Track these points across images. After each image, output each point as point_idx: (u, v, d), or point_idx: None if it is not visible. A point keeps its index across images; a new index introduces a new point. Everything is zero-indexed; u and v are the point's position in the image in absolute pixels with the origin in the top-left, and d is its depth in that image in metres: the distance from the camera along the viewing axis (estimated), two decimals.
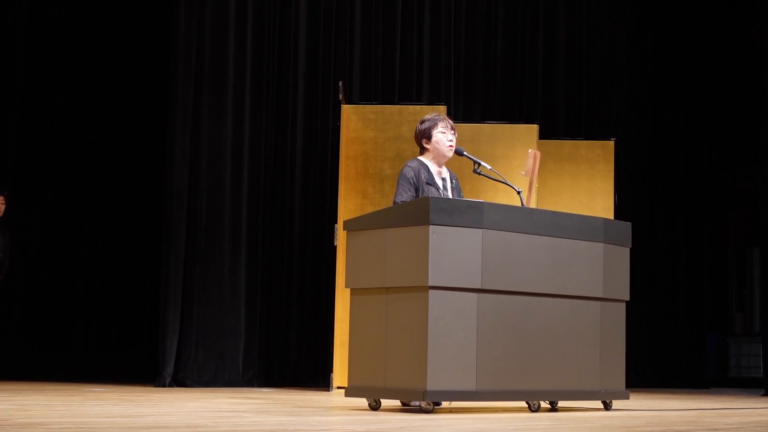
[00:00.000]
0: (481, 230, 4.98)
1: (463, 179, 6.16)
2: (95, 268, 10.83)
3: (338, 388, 7.86)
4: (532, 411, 5.30)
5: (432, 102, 9.16)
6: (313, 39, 9.34)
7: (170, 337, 8.22)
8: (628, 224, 5.77)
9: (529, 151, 5.97)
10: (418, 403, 5.05)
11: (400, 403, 5.44)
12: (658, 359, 10.91)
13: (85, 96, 10.83)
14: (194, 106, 8.62)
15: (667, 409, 5.99)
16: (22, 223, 10.33)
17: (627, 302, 5.70)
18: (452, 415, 4.95)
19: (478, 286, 4.96)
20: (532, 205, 6.59)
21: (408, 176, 5.59)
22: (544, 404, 5.51)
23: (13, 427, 3.62)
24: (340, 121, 8.29)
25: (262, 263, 8.90)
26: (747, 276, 12.47)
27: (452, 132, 5.72)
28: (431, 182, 5.62)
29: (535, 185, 6.66)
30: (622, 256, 5.65)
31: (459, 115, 9.48)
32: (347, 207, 8.08)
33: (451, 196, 5.69)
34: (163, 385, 8.03)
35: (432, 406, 4.92)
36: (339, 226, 7.94)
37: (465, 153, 5.72)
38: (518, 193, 5.64)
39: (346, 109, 8.31)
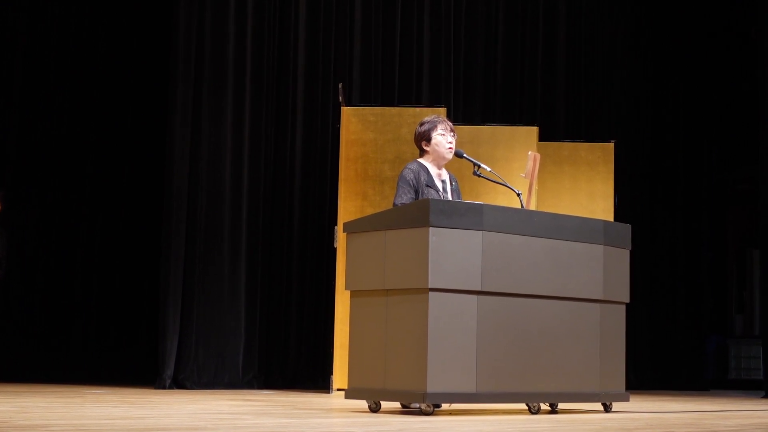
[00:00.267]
0: (480, 232, 4.99)
1: (462, 181, 6.16)
2: (94, 268, 10.83)
3: (338, 390, 7.86)
4: (532, 413, 5.30)
5: (432, 104, 9.15)
6: (313, 40, 9.34)
7: (170, 339, 8.22)
8: (628, 226, 5.77)
9: (529, 153, 5.96)
10: (417, 406, 5.05)
11: (399, 405, 5.44)
12: (658, 361, 10.91)
13: (85, 96, 10.83)
14: (194, 106, 8.62)
15: (667, 411, 5.99)
16: (21, 224, 10.33)
17: (627, 304, 5.70)
18: (452, 417, 4.95)
19: (478, 288, 4.96)
20: (532, 207, 6.59)
21: (408, 178, 5.59)
22: (544, 406, 5.51)
23: (13, 429, 3.62)
24: (339, 123, 8.29)
25: (262, 265, 8.89)
26: (747, 277, 12.47)
27: (452, 134, 5.72)
28: (431, 184, 5.62)
29: (534, 187, 6.66)
30: (621, 258, 5.65)
31: (459, 116, 9.48)
32: (347, 209, 8.07)
33: (450, 199, 5.69)
34: (163, 387, 8.03)
35: (432, 409, 4.92)
36: (339, 228, 7.94)
37: (465, 155, 5.72)
38: (518, 195, 5.64)
39: (345, 110, 8.30)
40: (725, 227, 12.65)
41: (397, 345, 4.94)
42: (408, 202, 5.49)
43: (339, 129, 8.30)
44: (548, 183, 8.91)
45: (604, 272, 5.49)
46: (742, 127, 11.71)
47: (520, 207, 5.57)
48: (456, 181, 5.86)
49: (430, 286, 4.83)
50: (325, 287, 8.73)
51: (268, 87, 9.07)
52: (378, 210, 7.29)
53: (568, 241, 5.34)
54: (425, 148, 5.73)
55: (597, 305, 5.48)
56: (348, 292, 5.32)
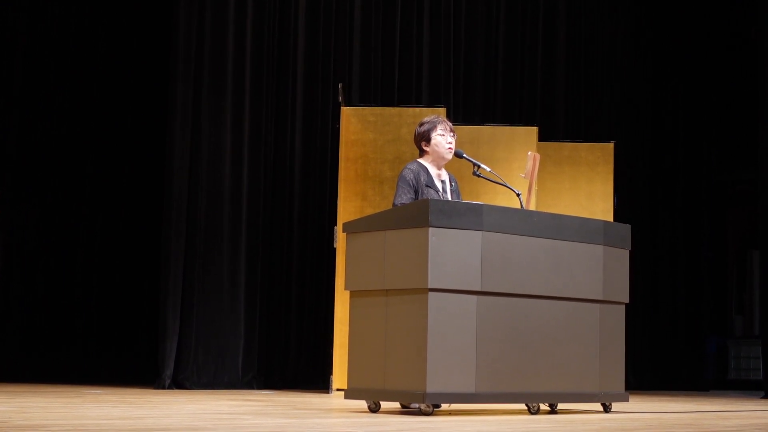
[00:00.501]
0: (480, 232, 4.99)
1: (462, 181, 6.16)
2: (94, 268, 10.82)
3: (338, 390, 7.86)
4: (532, 413, 5.30)
5: (431, 104, 9.15)
6: (313, 40, 9.34)
7: (170, 339, 8.21)
8: (628, 226, 5.78)
9: (529, 153, 5.97)
10: (417, 406, 5.05)
11: (399, 406, 5.44)
12: (658, 361, 10.91)
13: (85, 96, 10.82)
14: (194, 106, 8.62)
15: (666, 412, 5.99)
16: (21, 224, 10.33)
17: (626, 304, 5.70)
18: (451, 417, 4.95)
19: (478, 289, 4.97)
20: (532, 207, 6.59)
21: (407, 178, 5.59)
22: (544, 407, 5.52)
23: (13, 430, 3.62)
24: (339, 123, 8.29)
25: (262, 265, 8.89)
26: (747, 278, 12.46)
27: (451, 134, 5.72)
28: (430, 184, 5.62)
29: (534, 187, 6.66)
30: (621, 258, 5.65)
31: (459, 117, 9.48)
32: (347, 209, 8.07)
33: (450, 199, 5.69)
34: (163, 387, 8.03)
35: (431, 409, 4.92)
36: (338, 228, 7.94)
37: (464, 155, 5.73)
38: (518, 195, 5.64)
39: (345, 111, 8.30)
40: (725, 228, 12.64)
41: (396, 345, 4.95)
42: (408, 202, 5.49)
43: (339, 129, 8.30)
44: (548, 183, 8.90)
45: (604, 272, 5.49)
46: (741, 128, 11.70)
47: (519, 207, 5.57)
48: (456, 182, 5.86)
49: (429, 287, 4.83)
50: (325, 287, 8.73)
51: (268, 87, 9.06)
52: (378, 210, 7.29)
53: (568, 242, 5.34)
54: (425, 148, 5.73)
55: (597, 305, 5.49)
56: (348, 292, 5.33)
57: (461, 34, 10.00)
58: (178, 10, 8.63)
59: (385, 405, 5.34)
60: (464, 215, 4.95)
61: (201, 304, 8.44)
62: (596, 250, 5.46)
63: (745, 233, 12.45)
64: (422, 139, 5.73)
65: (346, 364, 5.30)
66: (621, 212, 9.18)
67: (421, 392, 4.79)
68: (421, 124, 5.76)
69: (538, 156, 5.96)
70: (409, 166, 5.68)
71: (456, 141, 5.75)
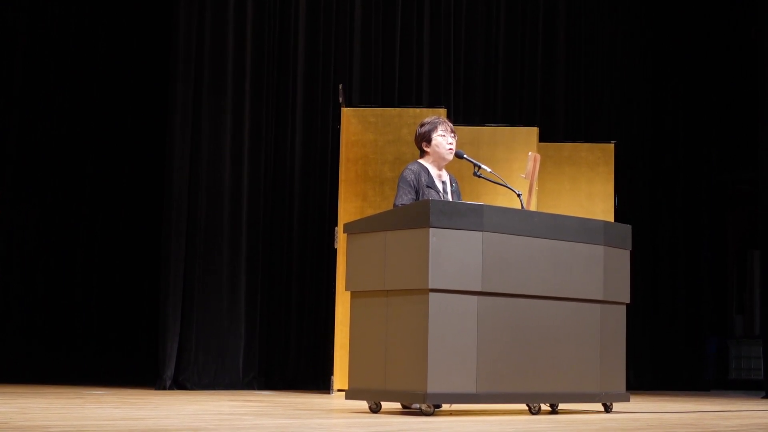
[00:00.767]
0: (481, 233, 4.99)
1: (463, 182, 6.16)
2: (94, 268, 10.83)
3: (338, 390, 7.86)
4: (533, 414, 5.30)
5: (432, 105, 9.15)
6: (313, 40, 9.33)
7: (170, 340, 8.21)
8: (628, 227, 5.78)
9: (529, 153, 5.97)
10: (418, 406, 5.05)
11: (400, 406, 5.44)
12: (659, 362, 10.91)
13: (85, 96, 10.83)
14: (194, 106, 8.61)
15: (667, 412, 5.99)
16: (21, 224, 10.33)
17: (627, 305, 5.70)
18: (452, 417, 4.95)
19: (479, 289, 4.97)
20: (532, 207, 6.58)
21: (408, 179, 5.60)
22: (545, 407, 5.52)
23: (14, 430, 3.62)
24: (339, 124, 8.29)
25: (262, 265, 8.89)
26: (747, 278, 12.47)
27: (452, 135, 5.72)
28: (431, 185, 5.62)
29: (535, 188, 6.66)
30: (622, 258, 5.66)
31: (459, 117, 9.47)
32: (347, 210, 8.07)
33: (450, 200, 5.69)
34: (164, 388, 8.02)
35: (432, 409, 4.92)
36: (339, 229, 7.94)
37: (465, 156, 5.73)
38: (518, 195, 5.64)
39: (346, 111, 8.30)
40: (725, 228, 12.65)
41: (397, 346, 4.95)
42: (408, 203, 5.49)
43: (339, 130, 8.30)
44: (548, 184, 8.90)
45: (605, 273, 5.49)
46: (742, 128, 11.70)
47: (520, 208, 5.57)
48: (456, 182, 5.86)
49: (430, 287, 4.83)
50: (326, 288, 8.73)
51: (268, 87, 9.06)
52: (378, 211, 7.29)
53: (569, 242, 5.34)
54: (425, 149, 5.74)
55: (597, 306, 5.49)
56: (348, 293, 5.33)
57: (461, 34, 10.00)
58: (178, 10, 8.62)
59: (386, 405, 5.34)
60: (465, 216, 4.95)
61: (201, 305, 8.44)
62: (597, 250, 5.46)
63: (746, 233, 12.45)
64: (423, 139, 5.73)
65: (347, 365, 5.30)
66: (621, 212, 9.18)
67: (422, 392, 4.79)
68: (422, 125, 5.76)
69: (538, 156, 5.96)
70: (409, 167, 5.69)
71: (456, 142, 5.75)
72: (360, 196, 8.21)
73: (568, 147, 9.18)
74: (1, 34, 10.34)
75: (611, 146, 9.12)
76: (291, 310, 9.07)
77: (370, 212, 7.75)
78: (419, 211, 4.92)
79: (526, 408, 5.37)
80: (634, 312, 7.05)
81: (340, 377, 7.89)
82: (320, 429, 4.04)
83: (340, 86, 8.46)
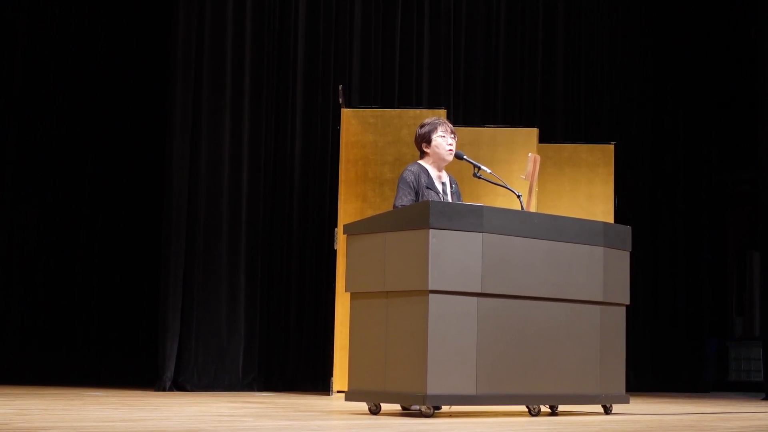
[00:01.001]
0: (481, 234, 4.99)
1: (462, 183, 6.16)
2: (94, 268, 10.82)
3: (338, 392, 7.86)
4: (532, 415, 5.30)
5: (432, 106, 9.15)
6: (313, 41, 9.32)
7: (170, 341, 8.21)
8: (628, 228, 5.77)
9: (529, 154, 5.97)
10: (418, 408, 5.04)
11: (400, 407, 5.44)
12: (658, 363, 10.91)
13: (85, 96, 10.83)
14: (194, 106, 8.61)
15: (667, 413, 5.98)
16: (21, 224, 10.33)
17: (627, 306, 5.70)
18: (452, 419, 4.94)
19: (478, 290, 4.96)
20: (532, 208, 6.58)
21: (408, 180, 5.59)
22: (545, 408, 5.51)
23: None
24: (339, 125, 8.29)
25: (262, 266, 8.88)
26: (747, 279, 12.47)
27: (452, 136, 5.72)
28: (431, 186, 5.62)
29: (535, 189, 6.66)
30: (622, 259, 5.65)
31: (459, 118, 9.47)
32: (347, 211, 8.07)
33: (450, 201, 5.69)
34: (163, 389, 8.02)
35: (432, 411, 4.92)
36: (339, 230, 7.94)
37: (465, 157, 5.72)
38: (518, 196, 5.64)
39: (345, 112, 8.30)
40: (725, 229, 12.65)
41: (397, 347, 4.94)
42: (408, 204, 5.48)
43: (339, 131, 8.30)
44: (548, 185, 8.90)
45: (605, 274, 5.49)
46: (742, 128, 11.70)
47: (520, 209, 5.57)
48: (456, 184, 5.86)
49: (430, 288, 4.83)
50: (325, 289, 8.72)
51: (268, 88, 9.06)
52: (378, 212, 7.28)
53: (569, 243, 5.34)
54: (425, 149, 5.73)
55: (597, 307, 5.48)
56: (348, 294, 5.32)
57: (461, 35, 9.99)
58: (177, 10, 8.62)
59: (385, 407, 5.34)
60: (465, 217, 4.95)
61: (201, 306, 8.44)
62: (596, 251, 5.46)
63: (745, 234, 12.45)
64: (423, 140, 5.73)
65: (347, 366, 5.30)
66: (621, 213, 9.17)
67: (421, 394, 4.79)
68: (422, 126, 5.76)
69: (538, 158, 5.96)
70: (409, 168, 5.68)
71: (456, 143, 5.75)
72: (360, 197, 8.20)
73: (567, 148, 9.17)
74: (1, 34, 10.33)
75: (611, 147, 9.12)
76: (291, 311, 9.06)
77: (369, 213, 7.75)
78: (419, 212, 4.92)
79: (526, 409, 5.36)
80: (633, 313, 7.05)
81: (339, 378, 7.88)
82: (320, 430, 4.04)
83: (340, 87, 8.46)
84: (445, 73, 9.76)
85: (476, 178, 5.71)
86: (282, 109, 9.17)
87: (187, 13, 8.62)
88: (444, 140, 5.68)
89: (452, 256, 4.89)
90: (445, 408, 5.54)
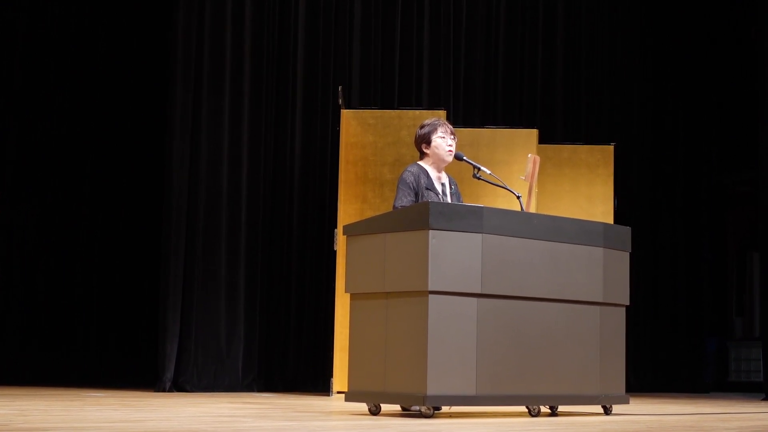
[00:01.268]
0: (480, 235, 4.99)
1: (462, 184, 6.16)
2: (94, 268, 10.82)
3: (338, 392, 7.86)
4: (532, 416, 5.30)
5: (431, 107, 9.15)
6: (313, 42, 9.32)
7: (170, 341, 8.20)
8: (628, 228, 5.77)
9: (529, 155, 5.97)
10: (418, 408, 5.05)
11: (400, 408, 5.44)
12: (658, 363, 10.91)
13: (85, 96, 10.83)
14: (194, 107, 8.61)
15: (667, 414, 5.99)
16: (21, 224, 10.33)
17: (627, 306, 5.70)
18: (452, 419, 4.95)
19: (478, 291, 4.97)
20: (532, 209, 6.58)
21: (408, 181, 5.60)
22: (544, 409, 5.51)
23: None
24: (339, 126, 8.29)
25: (262, 267, 8.88)
26: (747, 280, 12.46)
27: (452, 137, 5.72)
28: (430, 187, 5.62)
29: (534, 190, 6.66)
30: (621, 260, 5.65)
31: (459, 119, 9.47)
32: (347, 211, 8.07)
33: (450, 202, 5.69)
34: (163, 390, 8.02)
35: (432, 411, 4.92)
36: (339, 231, 7.94)
37: (464, 158, 5.72)
38: (518, 197, 5.64)
39: (345, 113, 8.30)
40: (725, 229, 12.64)
41: (397, 348, 4.94)
42: (408, 204, 5.49)
43: (339, 132, 8.30)
44: (548, 186, 8.90)
45: (604, 275, 5.49)
46: (742, 128, 11.70)
47: (519, 210, 5.57)
48: (456, 184, 5.86)
49: (429, 289, 4.83)
50: (325, 290, 8.72)
51: (268, 89, 9.06)
52: (378, 213, 7.29)
53: (568, 244, 5.34)
54: (425, 150, 5.73)
55: (597, 308, 5.48)
56: (348, 295, 5.32)
57: (461, 36, 9.99)
58: (177, 10, 8.62)
59: (385, 408, 5.34)
60: (464, 218, 4.95)
61: (201, 306, 8.44)
62: (596, 252, 5.46)
63: (746, 234, 12.44)
64: (422, 141, 5.73)
65: (347, 367, 5.30)
66: (621, 213, 9.18)
67: (421, 395, 4.79)
68: (422, 127, 5.76)
69: (538, 158, 5.96)
70: (409, 169, 5.69)
71: (456, 143, 5.75)
72: (359, 198, 8.21)
73: (567, 149, 9.18)
74: (1, 34, 10.33)
75: (611, 148, 9.12)
76: (290, 311, 9.06)
77: (369, 214, 7.75)
78: (419, 213, 4.92)
79: (526, 410, 5.37)
80: (633, 313, 7.06)
81: (339, 379, 7.89)
82: (320, 431, 4.05)
83: (340, 88, 8.46)
84: (444, 73, 9.76)
85: (476, 179, 5.71)
86: (282, 109, 9.17)
87: (187, 13, 8.62)
88: (444, 141, 5.68)
89: (452, 256, 4.89)
90: (445, 408, 5.54)
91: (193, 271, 8.43)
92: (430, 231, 4.85)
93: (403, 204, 5.51)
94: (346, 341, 5.46)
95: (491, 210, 5.09)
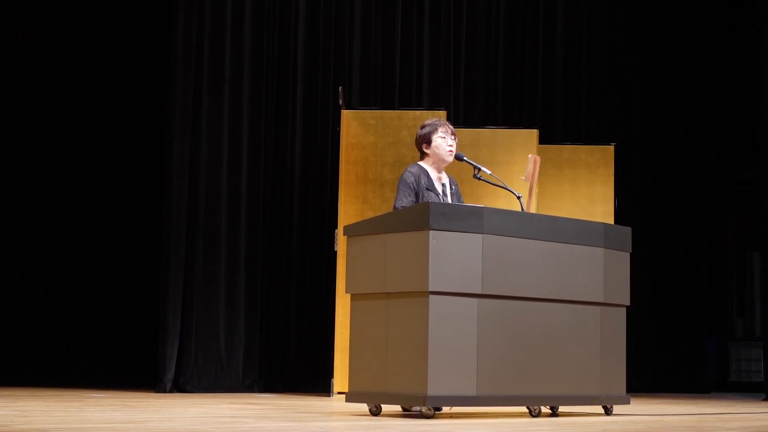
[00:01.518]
0: (481, 235, 4.99)
1: (463, 184, 6.16)
2: (94, 268, 10.82)
3: (339, 393, 7.86)
4: (533, 416, 5.30)
5: (432, 107, 9.15)
6: (313, 43, 9.32)
7: (170, 343, 8.20)
8: (628, 229, 5.78)
9: (529, 156, 5.96)
10: (418, 409, 5.05)
11: (400, 409, 5.44)
12: (659, 364, 10.91)
13: (85, 96, 10.82)
14: (194, 107, 8.61)
15: (667, 414, 5.99)
16: (21, 224, 10.32)
17: (627, 307, 5.70)
18: (453, 420, 4.95)
19: (479, 291, 4.97)
20: (532, 210, 6.59)
21: (408, 181, 5.59)
22: (545, 409, 5.52)
23: None
24: (339, 127, 8.28)
25: (262, 268, 8.88)
26: (747, 280, 12.46)
27: (452, 137, 5.72)
28: (431, 188, 5.62)
29: (535, 190, 6.66)
30: (622, 260, 5.65)
31: (459, 120, 9.47)
32: (347, 212, 8.07)
33: (450, 202, 5.69)
34: (164, 391, 8.02)
35: (432, 412, 4.92)
36: (339, 231, 7.93)
37: (465, 158, 5.72)
38: (518, 198, 5.64)
39: (345, 114, 8.30)
40: (725, 229, 12.64)
41: (397, 348, 4.94)
42: (408, 205, 5.48)
43: (339, 132, 8.30)
44: (548, 186, 8.90)
45: (605, 275, 5.49)
46: (742, 128, 11.70)
47: (520, 210, 5.57)
48: (456, 185, 5.86)
49: (430, 289, 4.83)
50: (326, 290, 8.72)
51: (268, 89, 9.06)
52: (378, 213, 7.29)
53: (569, 244, 5.34)
54: (426, 150, 5.73)
55: (597, 308, 5.48)
56: (348, 295, 5.32)
57: (461, 36, 9.99)
58: (177, 10, 8.62)
59: (386, 408, 5.34)
60: (465, 218, 4.95)
61: (201, 307, 8.43)
62: (597, 252, 5.46)
63: (746, 234, 12.44)
64: (423, 141, 5.73)
65: (347, 367, 5.30)
66: (621, 213, 9.18)
67: (422, 395, 4.79)
68: (423, 127, 5.76)
69: (538, 159, 5.96)
70: (409, 169, 5.68)
71: (457, 144, 5.75)
72: (360, 199, 8.21)
73: (567, 149, 9.18)
74: (1, 34, 10.33)
75: (611, 148, 9.12)
76: (291, 312, 9.06)
77: (370, 214, 7.75)
78: (419, 214, 4.92)
79: (527, 410, 5.37)
80: (634, 314, 7.05)
81: (340, 380, 7.89)
82: None
83: (340, 88, 8.46)
84: (445, 74, 9.76)
85: (476, 180, 5.71)
86: (282, 110, 9.17)
87: (187, 13, 8.61)
88: (444, 141, 5.68)
89: (452, 257, 4.89)
90: (445, 409, 5.54)
91: (194, 272, 8.43)
92: (431, 231, 4.85)
93: (403, 204, 5.51)
94: (347, 342, 5.47)
95: (492, 210, 5.09)
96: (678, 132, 11.45)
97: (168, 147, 8.55)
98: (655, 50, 11.41)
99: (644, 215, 10.90)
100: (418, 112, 8.46)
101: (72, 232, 10.70)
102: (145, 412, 5.19)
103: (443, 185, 5.74)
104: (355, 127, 8.30)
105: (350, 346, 5.22)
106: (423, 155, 5.76)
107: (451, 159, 5.71)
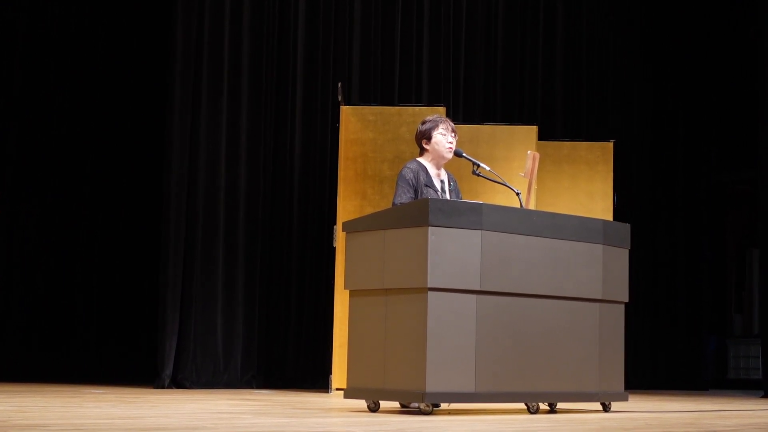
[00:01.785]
0: (480, 232, 4.99)
1: (462, 180, 6.16)
2: (94, 268, 10.83)
3: (337, 389, 7.86)
4: (531, 413, 5.30)
5: (431, 103, 9.15)
6: (312, 39, 9.33)
7: (169, 339, 8.21)
8: (627, 225, 5.77)
9: (528, 152, 5.96)
10: (417, 405, 5.05)
11: (399, 405, 5.44)
12: (657, 361, 10.91)
13: (85, 96, 10.83)
14: (193, 106, 8.62)
15: (666, 411, 5.98)
16: (21, 224, 10.33)
17: (626, 304, 5.70)
18: (451, 416, 4.95)
19: (477, 288, 4.97)
20: (531, 206, 6.58)
21: (407, 178, 5.59)
22: (543, 406, 5.51)
23: (12, 429, 3.62)
24: (339, 123, 8.29)
25: (261, 264, 8.89)
26: (746, 277, 12.46)
27: (453, 134, 5.72)
28: (430, 184, 5.62)
29: (534, 186, 6.66)
30: (621, 257, 5.65)
31: (458, 116, 9.48)
32: (346, 208, 8.07)
33: (449, 198, 5.69)
34: (162, 387, 8.03)
35: (431, 408, 4.92)
36: (338, 228, 7.94)
37: (464, 154, 5.73)
38: (517, 194, 5.64)
39: (345, 110, 8.30)
40: (724, 227, 12.65)
41: (396, 344, 4.94)
42: (407, 201, 5.49)
43: (338, 128, 8.30)
44: (547, 182, 8.90)
45: (604, 272, 5.49)
46: (741, 127, 11.71)
47: (519, 206, 5.57)
48: (455, 181, 5.86)
49: (429, 286, 4.83)
50: (325, 286, 8.73)
51: (267, 86, 9.06)
52: (377, 209, 7.29)
53: (568, 241, 5.34)
54: (425, 146, 5.73)
55: (596, 305, 5.48)
56: (347, 292, 5.33)
57: (461, 33, 9.99)
58: (176, 10, 8.63)
59: (384, 404, 5.34)
60: (464, 214, 4.95)
61: (200, 304, 8.45)
62: (596, 249, 5.46)
63: (745, 232, 12.45)
64: (423, 137, 5.73)
65: (346, 364, 5.30)
66: (620, 211, 9.18)
67: (420, 392, 4.79)
68: (423, 123, 5.76)
69: (537, 155, 5.96)
70: (408, 165, 5.69)
71: (457, 141, 5.75)
72: (359, 195, 8.21)
73: (567, 145, 9.18)
74: (1, 34, 10.34)
75: (610, 145, 9.12)
76: (290, 308, 9.07)
77: (369, 211, 7.75)
78: (418, 210, 4.92)
79: (525, 407, 5.36)
80: (633, 311, 7.06)
81: (338, 376, 7.89)
82: (319, 428, 4.04)
83: (339, 84, 8.46)
84: (444, 70, 9.76)
85: (475, 176, 5.71)
86: (281, 106, 9.18)
87: (187, 13, 8.62)
88: (444, 138, 5.68)
89: (451, 253, 4.89)
90: (444, 405, 5.54)
91: (193, 268, 8.44)
92: (430, 228, 4.85)
93: (402, 201, 5.51)
94: (346, 338, 5.47)
95: (491, 207, 5.09)
96: (678, 131, 11.45)
97: (168, 147, 8.56)
98: (655, 50, 11.42)
99: (644, 214, 10.90)
100: (417, 108, 8.47)
101: (72, 232, 10.71)
102: (142, 408, 5.19)
103: (442, 182, 5.74)
104: (355, 123, 8.31)
105: (349, 343, 5.22)
106: (422, 151, 5.76)
107: (450, 156, 5.71)
